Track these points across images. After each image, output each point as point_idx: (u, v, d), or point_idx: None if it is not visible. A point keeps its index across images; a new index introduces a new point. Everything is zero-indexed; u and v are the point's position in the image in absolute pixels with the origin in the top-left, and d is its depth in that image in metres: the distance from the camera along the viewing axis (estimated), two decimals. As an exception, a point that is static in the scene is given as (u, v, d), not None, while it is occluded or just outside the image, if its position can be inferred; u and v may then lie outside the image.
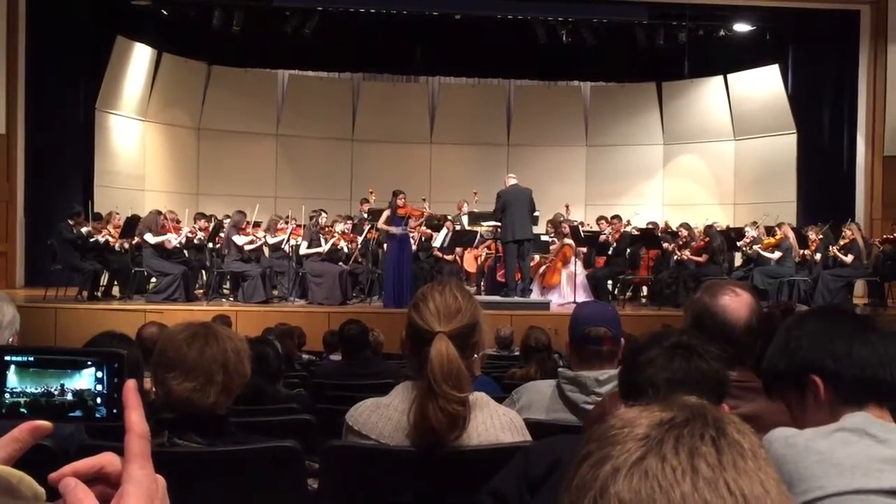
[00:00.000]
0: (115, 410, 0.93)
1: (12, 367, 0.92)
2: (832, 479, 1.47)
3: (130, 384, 0.91)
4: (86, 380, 0.93)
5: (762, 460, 0.75)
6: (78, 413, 0.93)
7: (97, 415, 0.94)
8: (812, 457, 1.51)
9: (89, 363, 0.93)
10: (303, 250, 12.44)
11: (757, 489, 0.72)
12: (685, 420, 0.76)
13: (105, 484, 0.88)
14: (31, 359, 0.92)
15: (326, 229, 12.82)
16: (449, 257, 13.81)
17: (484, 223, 13.56)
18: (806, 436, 1.57)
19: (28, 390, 0.92)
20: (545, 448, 1.84)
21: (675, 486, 0.71)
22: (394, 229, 11.67)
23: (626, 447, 0.75)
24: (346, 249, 12.97)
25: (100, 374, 0.93)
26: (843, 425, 1.58)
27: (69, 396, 0.93)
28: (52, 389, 0.92)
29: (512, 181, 11.95)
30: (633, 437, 0.75)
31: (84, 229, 11.77)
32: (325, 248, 12.44)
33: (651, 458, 0.73)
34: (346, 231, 13.08)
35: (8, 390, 0.92)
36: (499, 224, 12.15)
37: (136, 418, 0.89)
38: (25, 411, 0.92)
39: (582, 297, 12.03)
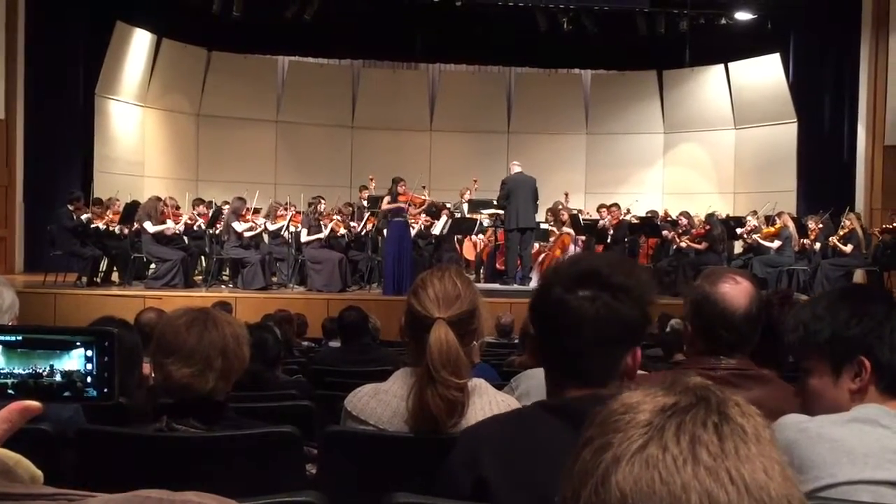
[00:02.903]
0: (106, 390, 0.92)
1: (0, 348, 0.91)
2: (843, 468, 1.46)
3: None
4: (75, 360, 0.92)
5: (766, 444, 0.74)
6: (68, 393, 0.92)
7: (87, 395, 0.93)
8: (824, 444, 1.50)
9: (78, 343, 0.92)
10: (303, 237, 12.41)
11: (759, 476, 0.71)
12: (688, 405, 0.75)
13: None
14: (20, 338, 0.91)
15: (327, 218, 12.79)
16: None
17: (485, 211, 13.54)
18: (818, 422, 1.56)
19: (16, 371, 0.91)
20: (464, 460, 1.66)
21: (676, 475, 0.70)
22: (397, 205, 11.68)
23: (628, 434, 0.74)
24: (346, 236, 12.97)
25: (90, 354, 0.92)
26: (855, 416, 1.57)
27: (58, 378, 0.92)
28: (41, 370, 0.91)
29: (517, 168, 11.92)
30: (635, 424, 0.75)
31: (84, 216, 11.75)
32: (324, 233, 12.42)
33: (652, 447, 0.72)
34: (344, 220, 13.06)
35: None
36: (501, 211, 12.13)
37: None
38: (13, 392, 0.91)
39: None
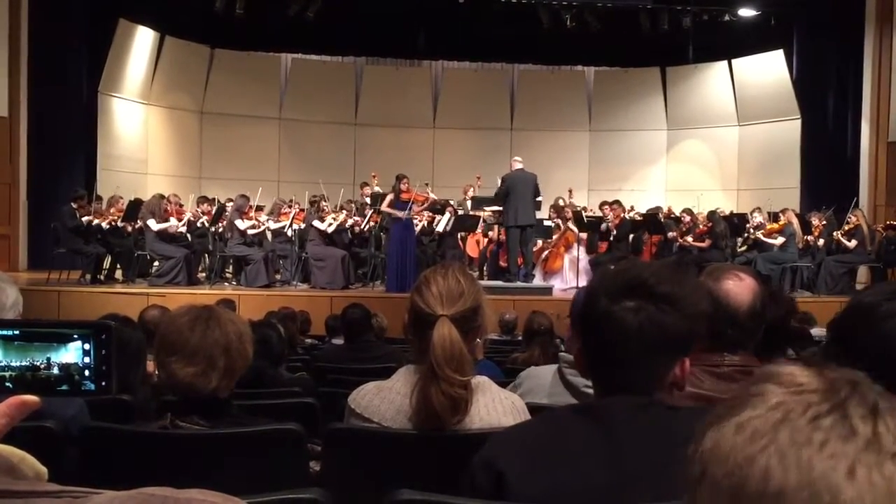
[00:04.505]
0: (104, 383, 0.92)
1: None
2: None
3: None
4: (72, 353, 0.91)
5: (879, 454, 0.66)
6: (65, 387, 0.92)
7: (84, 388, 0.92)
8: None
9: (75, 336, 0.92)
10: (319, 226, 12.27)
11: (834, 474, 0.65)
12: (812, 391, 0.71)
13: None
14: (17, 332, 0.91)
15: (330, 213, 12.79)
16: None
17: (487, 208, 13.53)
18: None
19: (13, 364, 0.91)
20: (485, 459, 1.62)
21: (744, 447, 0.69)
22: (397, 212, 11.65)
23: (736, 402, 0.74)
24: (349, 233, 12.98)
25: (87, 347, 0.92)
26: None
27: (55, 370, 0.91)
28: (38, 363, 0.91)
29: (518, 165, 11.88)
30: (750, 394, 0.73)
31: (85, 218, 11.72)
32: (334, 225, 12.38)
33: (744, 415, 0.71)
34: (347, 217, 13.06)
35: None
36: (501, 209, 12.12)
37: None
38: (11, 386, 0.91)
39: (584, 283, 12.02)
